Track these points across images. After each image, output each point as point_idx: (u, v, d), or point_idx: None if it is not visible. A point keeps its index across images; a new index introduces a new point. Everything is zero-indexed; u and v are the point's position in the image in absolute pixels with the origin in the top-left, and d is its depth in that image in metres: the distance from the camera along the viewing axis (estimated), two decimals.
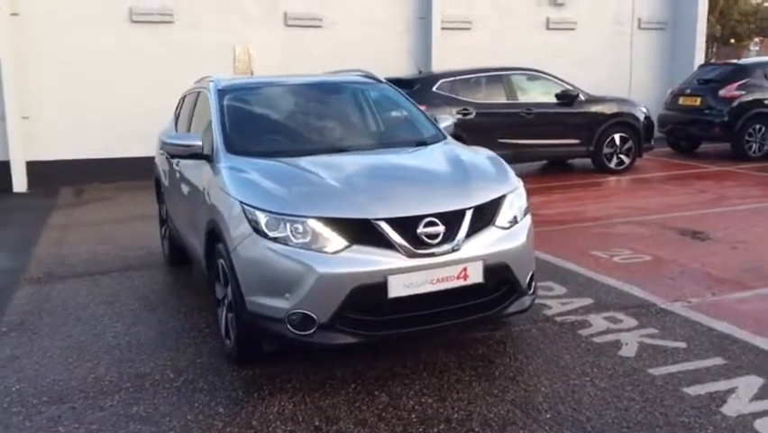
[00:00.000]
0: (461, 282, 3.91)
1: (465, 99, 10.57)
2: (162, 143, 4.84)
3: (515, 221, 4.24)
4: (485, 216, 4.08)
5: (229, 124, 4.90)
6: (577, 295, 5.43)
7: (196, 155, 4.82)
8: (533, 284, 4.36)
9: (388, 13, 13.49)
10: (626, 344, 4.46)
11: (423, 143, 5.04)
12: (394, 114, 5.54)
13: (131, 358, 4.53)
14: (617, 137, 11.26)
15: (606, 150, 11.27)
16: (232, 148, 4.70)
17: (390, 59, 12.99)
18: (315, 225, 3.80)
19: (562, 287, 5.64)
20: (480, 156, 4.73)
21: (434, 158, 4.62)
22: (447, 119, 5.57)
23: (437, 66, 13.29)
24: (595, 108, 11.21)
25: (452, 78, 10.76)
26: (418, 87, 10.57)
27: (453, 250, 3.88)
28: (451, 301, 3.98)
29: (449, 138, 5.25)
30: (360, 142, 4.99)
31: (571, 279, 5.85)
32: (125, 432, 3.60)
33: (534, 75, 11.26)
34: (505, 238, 4.10)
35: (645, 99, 13.46)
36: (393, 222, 3.81)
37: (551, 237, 7.33)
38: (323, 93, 5.59)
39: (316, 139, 5.01)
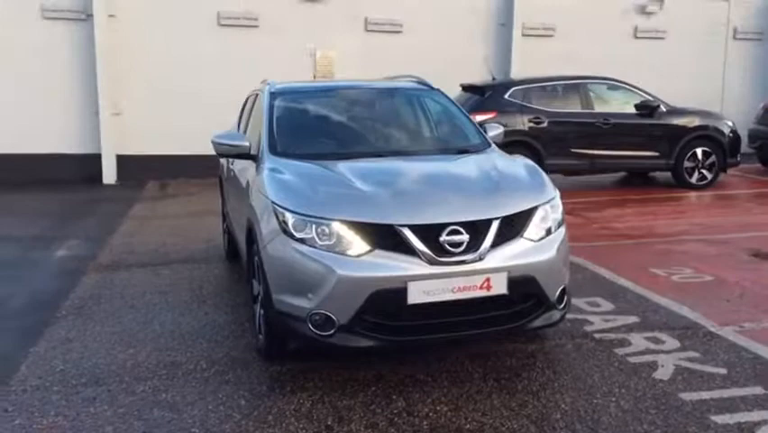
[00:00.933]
0: (483, 293, 3.89)
1: (538, 107, 10.42)
2: (212, 142, 5.03)
3: (547, 233, 4.17)
4: (513, 226, 4.03)
5: (276, 126, 5.04)
6: (623, 312, 5.27)
7: (242, 155, 4.98)
8: (565, 298, 4.27)
9: (469, 19, 13.45)
10: (663, 366, 4.30)
11: (465, 151, 5.03)
12: (440, 121, 5.54)
13: (171, 347, 4.73)
14: (699, 151, 10.82)
15: (687, 164, 10.84)
16: (275, 150, 4.84)
17: (469, 65, 12.93)
18: (339, 227, 3.86)
19: (609, 303, 5.48)
20: (517, 166, 4.67)
21: (471, 166, 4.59)
22: (497, 128, 5.52)
23: (517, 74, 13.15)
24: (677, 120, 10.81)
25: (526, 86, 10.63)
26: (490, 93, 10.51)
27: (477, 259, 3.86)
28: (473, 311, 3.96)
29: (494, 147, 5.21)
30: (401, 148, 5.03)
31: (622, 295, 5.68)
32: (149, 417, 3.76)
33: (613, 84, 10.98)
34: (533, 250, 4.04)
35: (739, 113, 12.91)
36: (416, 228, 3.82)
37: (613, 252, 7.15)
38: (372, 98, 5.66)
39: (359, 143, 5.07)
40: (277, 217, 4.05)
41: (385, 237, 3.83)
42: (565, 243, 4.29)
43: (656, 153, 10.77)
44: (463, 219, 3.89)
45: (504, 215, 4.00)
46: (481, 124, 9.98)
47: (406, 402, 3.88)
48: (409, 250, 3.80)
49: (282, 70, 11.28)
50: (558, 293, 4.17)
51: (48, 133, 11.95)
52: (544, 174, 4.61)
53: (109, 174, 12.26)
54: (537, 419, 3.67)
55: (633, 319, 5.12)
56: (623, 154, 10.68)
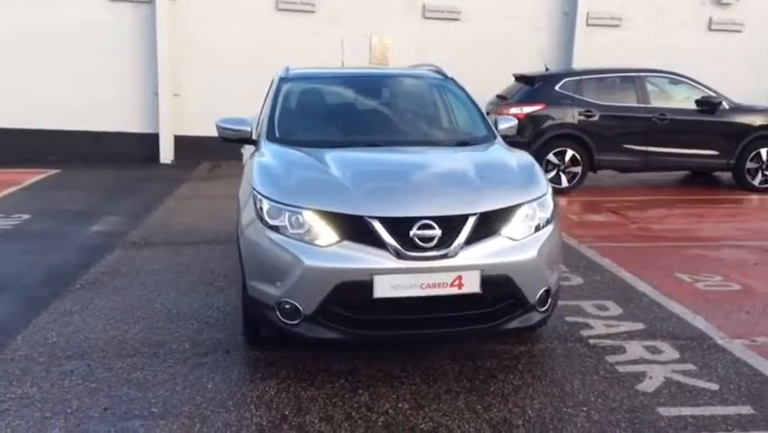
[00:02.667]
0: (455, 291, 3.77)
1: (589, 100, 10.05)
2: (215, 125, 5.08)
3: (532, 232, 4.00)
4: (493, 224, 3.89)
5: (279, 112, 5.04)
6: (630, 318, 5.03)
7: (243, 140, 5.00)
8: (549, 301, 4.09)
9: (530, 7, 13.09)
10: (651, 377, 4.08)
11: (465, 144, 4.88)
12: (447, 111, 5.41)
13: (162, 326, 4.81)
14: (763, 152, 10.20)
15: (749, 165, 10.24)
16: (274, 136, 4.84)
17: (529, 55, 12.56)
18: (310, 216, 3.82)
19: (619, 308, 5.24)
20: (511, 162, 4.50)
21: (462, 160, 4.44)
22: (509, 120, 5.33)
23: (578, 65, 12.72)
24: (740, 119, 10.22)
25: (578, 78, 10.27)
26: (540, 84, 10.21)
27: (448, 256, 3.75)
28: (444, 309, 3.86)
29: (498, 140, 5.03)
30: (399, 138, 4.92)
31: (636, 300, 5.42)
32: (115, 394, 3.83)
33: (674, 78, 10.46)
34: (512, 249, 3.88)
35: None
36: (386, 221, 3.74)
37: (642, 254, 6.84)
38: (382, 86, 5.58)
39: (358, 132, 5.01)
40: (255, 204, 4.05)
41: (355, 228, 3.77)
42: (552, 243, 4.09)
43: (716, 152, 10.22)
44: (436, 214, 3.77)
45: (482, 211, 3.86)
46: (529, 115, 9.92)
47: (369, 397, 3.82)
48: (378, 242, 3.73)
49: (337, 56, 11.31)
50: (540, 295, 3.99)
51: (111, 111, 12.36)
52: (537, 171, 4.42)
53: (166, 154, 12.59)
54: (497, 424, 3.55)
55: (637, 326, 4.88)
56: (680, 152, 10.18)
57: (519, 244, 3.92)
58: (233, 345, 4.49)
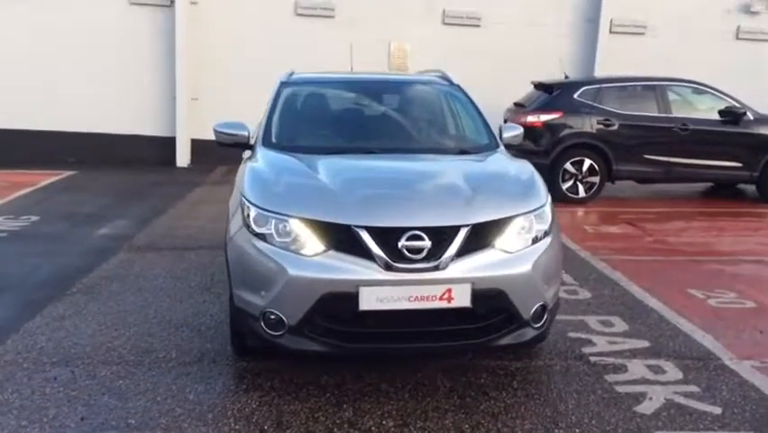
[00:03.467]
0: (444, 304, 3.63)
1: (608, 109, 9.82)
2: (213, 129, 5.00)
3: (528, 244, 3.84)
4: (485, 235, 3.74)
5: (277, 116, 4.95)
6: (635, 336, 4.83)
7: (239, 144, 4.91)
8: (545, 316, 3.92)
9: (553, 14, 12.88)
10: (651, 398, 3.90)
11: (466, 152, 4.74)
12: (451, 118, 5.27)
13: (153, 333, 4.73)
14: None
15: None
16: (269, 141, 4.75)
17: (551, 62, 12.36)
18: (296, 225, 3.71)
19: (624, 324, 5.05)
20: (510, 171, 4.36)
21: (459, 169, 4.30)
22: (514, 129, 5.17)
23: (602, 73, 12.50)
24: (765, 130, 9.92)
25: (597, 86, 10.05)
26: (558, 92, 10.02)
27: (438, 268, 3.61)
28: (433, 323, 3.72)
29: (501, 149, 4.88)
30: (397, 146, 4.79)
31: (644, 316, 5.23)
32: (95, 403, 3.75)
33: (697, 88, 10.19)
34: (505, 262, 3.73)
35: None
36: (374, 231, 3.61)
37: (656, 268, 6.62)
38: (384, 92, 5.47)
39: (356, 138, 4.89)
40: (243, 211, 3.95)
41: (341, 238, 3.64)
42: (550, 256, 3.92)
43: (739, 164, 9.93)
44: (426, 225, 3.64)
45: (474, 222, 3.71)
46: (546, 124, 9.73)
47: (353, 412, 3.69)
48: (365, 253, 3.60)
49: (356, 61, 11.23)
50: (534, 310, 3.83)
51: (128, 115, 12.40)
52: (537, 181, 4.26)
53: (182, 157, 12.59)
54: None
55: (642, 344, 4.69)
56: (702, 163, 9.90)
57: (513, 257, 3.77)
58: (221, 354, 4.39)
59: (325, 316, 3.66)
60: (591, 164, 9.77)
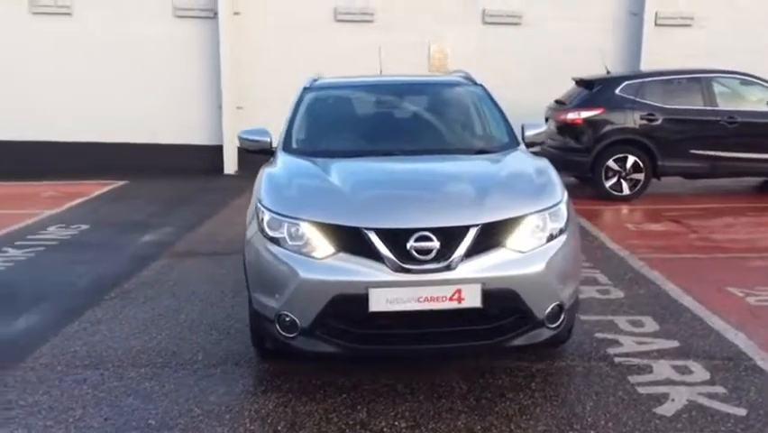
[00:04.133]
0: (454, 305, 3.62)
1: (651, 103, 9.59)
2: (237, 136, 5.11)
3: (542, 243, 3.80)
4: (496, 235, 3.72)
5: (297, 122, 5.03)
6: (665, 335, 4.73)
7: (263, 150, 5.00)
8: (562, 316, 3.87)
9: (595, 9, 12.66)
10: (674, 399, 3.81)
11: (484, 151, 4.71)
12: (471, 118, 5.25)
13: (182, 336, 4.85)
14: None
15: None
16: (289, 146, 4.84)
17: (594, 58, 12.14)
18: (307, 228, 3.77)
19: (655, 324, 4.94)
20: (526, 170, 4.32)
21: (474, 169, 4.30)
22: (536, 127, 5.12)
23: (648, 66, 12.23)
24: None
25: (640, 80, 9.84)
26: (598, 88, 9.85)
27: (447, 269, 3.61)
28: (444, 324, 3.72)
29: (521, 147, 4.84)
30: (415, 147, 4.79)
31: (676, 316, 5.10)
32: (119, 405, 3.87)
33: (745, 79, 9.87)
34: (517, 262, 3.70)
35: None
36: (382, 232, 3.64)
37: (696, 266, 6.46)
38: (406, 94, 5.48)
39: (373, 141, 4.92)
40: (258, 216, 4.03)
41: (351, 240, 3.68)
42: (566, 255, 3.87)
43: None
44: (434, 225, 3.64)
45: (485, 222, 3.70)
46: (587, 120, 9.57)
47: (367, 414, 3.72)
48: (374, 255, 3.63)
49: (397, 66, 11.27)
50: (549, 311, 3.79)
51: (177, 125, 12.73)
52: (552, 179, 4.22)
53: (229, 165, 12.85)
54: None
55: (671, 344, 4.58)
56: (750, 157, 9.58)
57: (526, 257, 3.74)
58: (244, 357, 4.48)
59: (337, 317, 3.70)
60: (635, 161, 9.57)
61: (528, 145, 5.10)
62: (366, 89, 5.56)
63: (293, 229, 3.81)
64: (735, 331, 4.76)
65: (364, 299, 3.60)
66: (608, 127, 9.61)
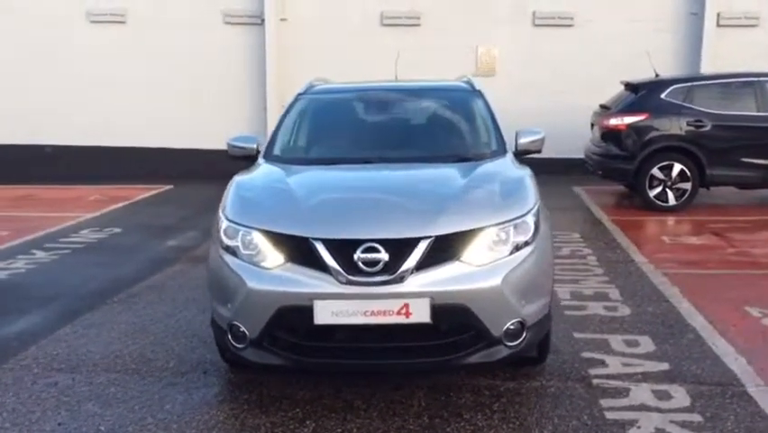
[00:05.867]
0: (402, 319, 3.48)
1: (700, 109, 9.07)
2: (226, 144, 5.11)
3: (502, 256, 3.61)
4: (450, 247, 3.56)
5: (282, 128, 4.99)
6: (658, 357, 4.42)
7: (248, 157, 4.97)
8: (524, 334, 3.66)
9: (652, 8, 12.13)
10: (639, 427, 3.56)
11: (466, 159, 4.51)
12: (460, 125, 5.04)
13: (163, 343, 4.87)
14: None
15: None
16: (269, 153, 4.81)
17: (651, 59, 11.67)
18: (258, 237, 3.71)
19: (652, 345, 4.64)
20: (496, 179, 4.13)
21: (442, 178, 4.13)
22: (532, 134, 4.89)
23: (709, 68, 11.64)
24: None
25: (688, 84, 9.33)
26: (643, 92, 9.39)
27: (395, 282, 3.47)
28: (394, 339, 3.57)
29: (507, 156, 4.63)
30: (394, 155, 4.63)
31: (677, 336, 4.78)
32: (78, 410, 3.90)
33: None
34: (469, 276, 3.52)
35: None
36: (330, 243, 3.54)
37: (721, 283, 6.08)
38: (399, 100, 5.34)
39: (353, 148, 4.80)
40: (217, 224, 4.00)
41: (299, 250, 3.60)
42: (529, 270, 3.66)
43: None
44: (382, 236, 3.51)
45: (437, 234, 3.55)
46: (631, 126, 9.15)
47: (314, 429, 3.63)
48: (321, 266, 3.53)
49: (444, 69, 11.11)
50: (507, 328, 3.59)
51: (223, 130, 12.89)
52: (523, 190, 4.01)
53: None
54: None
55: (660, 367, 4.28)
56: None
57: (481, 271, 3.55)
58: (215, 366, 4.44)
59: (284, 329, 3.63)
60: (682, 169, 9.07)
61: (522, 153, 4.89)
62: (360, 95, 5.45)
63: (247, 238, 3.75)
64: (735, 355, 4.41)
65: (309, 311, 3.50)
66: (653, 134, 9.15)
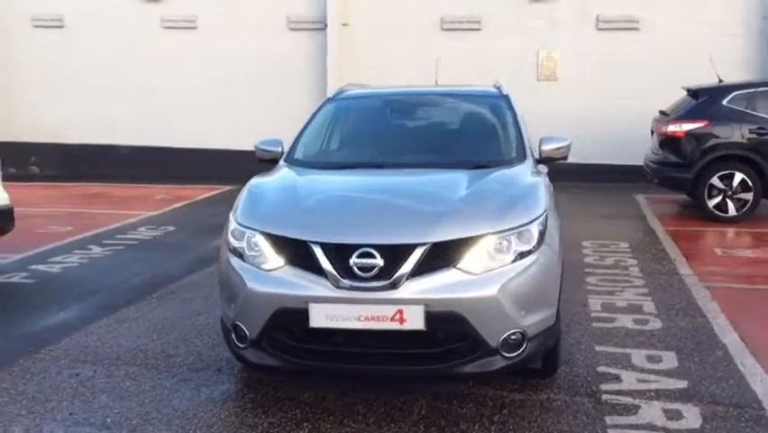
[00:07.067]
0: (395, 325, 3.47)
1: (764, 116, 8.68)
2: (254, 147, 5.22)
3: (501, 265, 3.55)
4: (447, 255, 3.53)
5: (308, 133, 5.06)
6: (678, 375, 4.25)
7: (274, 160, 5.06)
8: (524, 345, 3.59)
9: (722, 12, 11.66)
10: None
11: (483, 166, 4.44)
12: (483, 131, 4.98)
13: (186, 339, 5.01)
14: None
15: None
16: (291, 157, 4.89)
17: (719, 65, 11.20)
18: (261, 239, 3.77)
19: (675, 361, 4.46)
20: (505, 188, 4.09)
21: (451, 184, 4.07)
22: (556, 141, 4.78)
23: None
24: None
25: (751, 90, 8.92)
26: (704, 98, 9.04)
27: (390, 287, 3.47)
28: (389, 345, 3.57)
29: (525, 163, 4.54)
30: (410, 160, 4.63)
31: (705, 353, 4.58)
32: (92, 402, 4.04)
33: None
34: (466, 284, 3.48)
35: None
36: (327, 247, 3.56)
37: (765, 298, 5.82)
38: (423, 106, 5.33)
39: (370, 153, 4.83)
40: (227, 226, 4.09)
41: (298, 254, 3.64)
42: (529, 280, 3.58)
43: None
44: (377, 242, 3.52)
45: (434, 241, 3.52)
46: (689, 133, 8.81)
47: (309, 431, 3.65)
48: (318, 269, 3.56)
49: (505, 73, 11.00)
50: (505, 338, 3.53)
51: (285, 133, 13.15)
52: (530, 199, 3.93)
53: None
54: None
55: (678, 385, 4.11)
56: None
57: (478, 279, 3.51)
58: (230, 364, 4.52)
59: (281, 331, 3.68)
60: (743, 179, 8.68)
61: (545, 161, 4.80)
62: (386, 101, 5.46)
63: (252, 240, 3.82)
64: (762, 376, 4.19)
65: (304, 313, 3.53)
66: (713, 141, 8.80)
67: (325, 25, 12.86)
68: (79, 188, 12.54)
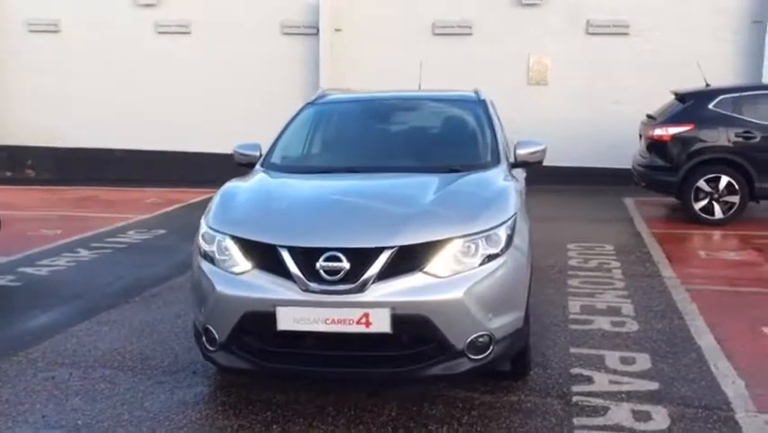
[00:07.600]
0: (361, 329, 3.50)
1: (749, 119, 8.69)
2: (233, 151, 5.25)
3: (468, 268, 3.58)
4: (413, 258, 3.55)
5: (285, 137, 5.09)
6: (650, 376, 4.27)
7: (252, 164, 5.08)
8: (491, 348, 3.61)
9: (711, 17, 11.66)
10: None
11: (455, 170, 4.46)
12: (458, 135, 5.00)
13: (166, 342, 5.03)
14: None
15: None
16: (267, 161, 4.91)
17: (708, 70, 11.22)
18: (230, 243, 3.80)
19: (649, 363, 4.48)
20: (475, 191, 4.11)
21: (420, 188, 4.08)
22: (531, 145, 4.81)
23: None
24: None
25: (737, 94, 8.94)
26: (691, 102, 9.05)
27: (356, 291, 3.49)
28: (354, 348, 3.59)
29: (499, 167, 4.56)
30: (384, 165, 4.63)
31: (680, 356, 4.60)
32: (65, 404, 4.07)
33: None
34: (432, 287, 3.51)
35: None
36: (294, 251, 3.59)
37: (746, 302, 5.87)
38: (400, 110, 5.36)
39: (344, 158, 4.87)
40: (199, 230, 4.12)
41: (266, 257, 3.67)
42: (495, 283, 3.61)
43: None
44: (343, 245, 3.54)
45: (401, 244, 3.55)
46: (675, 137, 8.84)
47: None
48: (285, 273, 3.59)
49: (495, 79, 11.03)
50: (471, 341, 3.55)
51: (272, 138, 13.19)
52: (499, 202, 3.95)
53: None
54: None
55: (649, 386, 4.13)
56: None
57: (443, 282, 3.53)
58: (205, 366, 4.53)
59: (249, 334, 3.70)
60: (729, 182, 8.70)
61: (520, 165, 4.83)
62: (364, 105, 5.49)
63: (222, 244, 3.85)
64: (734, 378, 4.21)
65: (272, 316, 3.56)
66: (699, 145, 8.82)
67: (318, 30, 12.89)
68: (73, 192, 12.56)
